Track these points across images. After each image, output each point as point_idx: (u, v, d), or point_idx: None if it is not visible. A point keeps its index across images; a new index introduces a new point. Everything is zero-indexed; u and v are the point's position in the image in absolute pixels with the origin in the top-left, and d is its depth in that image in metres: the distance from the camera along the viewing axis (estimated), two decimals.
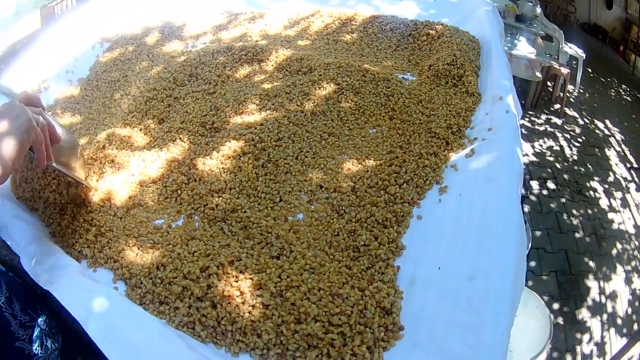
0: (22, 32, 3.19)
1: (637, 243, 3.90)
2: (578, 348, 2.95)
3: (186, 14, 2.01)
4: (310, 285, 0.89)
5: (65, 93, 1.60)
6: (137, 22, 1.97)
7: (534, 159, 4.61)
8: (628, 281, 3.52)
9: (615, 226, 4.03)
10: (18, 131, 0.78)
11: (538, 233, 3.68)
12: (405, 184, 1.15)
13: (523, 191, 1.11)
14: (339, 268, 0.97)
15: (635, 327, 3.21)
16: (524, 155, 1.19)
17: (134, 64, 1.72)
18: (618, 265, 3.63)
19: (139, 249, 1.00)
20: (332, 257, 1.00)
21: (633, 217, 4.19)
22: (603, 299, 3.34)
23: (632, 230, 4.02)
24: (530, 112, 5.34)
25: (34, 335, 0.86)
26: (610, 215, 4.13)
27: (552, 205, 4.04)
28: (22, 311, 0.87)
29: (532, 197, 4.05)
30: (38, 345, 0.87)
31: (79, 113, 1.51)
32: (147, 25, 1.95)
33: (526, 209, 3.74)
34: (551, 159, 4.69)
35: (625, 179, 4.72)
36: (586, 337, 3.03)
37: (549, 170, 4.49)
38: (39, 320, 0.89)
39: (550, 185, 4.29)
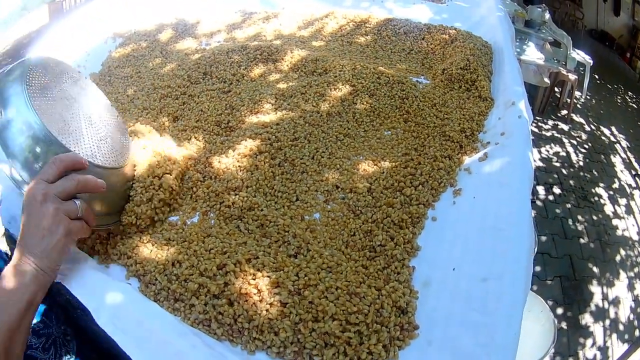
0: (28, 28, 3.20)
1: None
2: (581, 353, 2.95)
3: (200, 12, 2.02)
4: (327, 284, 0.90)
5: None
6: (150, 19, 1.97)
7: (541, 164, 4.62)
8: (631, 287, 3.52)
9: (619, 233, 4.04)
10: (58, 245, 0.76)
11: (543, 238, 3.69)
12: (420, 185, 1.16)
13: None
14: (356, 267, 0.97)
15: (637, 332, 3.21)
16: None
17: (147, 61, 1.72)
18: (621, 272, 3.64)
19: (153, 245, 1.00)
20: (349, 256, 1.01)
21: (637, 224, 4.19)
22: (606, 305, 3.34)
23: (635, 237, 4.03)
24: (538, 118, 5.35)
25: (48, 343, 0.86)
26: (615, 222, 4.14)
27: (558, 211, 4.05)
28: (36, 318, 0.85)
29: (538, 202, 4.06)
30: (52, 354, 0.86)
31: None
32: (161, 22, 1.95)
33: (532, 213, 3.75)
34: (557, 164, 4.70)
35: (630, 185, 4.72)
36: (589, 342, 3.04)
37: (555, 175, 4.50)
38: (53, 328, 0.89)
39: (556, 190, 4.30)
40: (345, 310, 0.85)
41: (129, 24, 1.93)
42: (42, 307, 0.88)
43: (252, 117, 1.33)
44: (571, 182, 4.47)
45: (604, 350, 3.04)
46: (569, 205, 4.15)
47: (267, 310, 0.86)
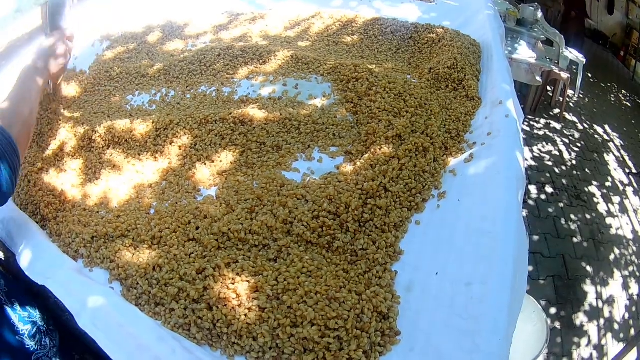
0: (22, 30, 3.17)
1: (634, 248, 3.90)
2: (575, 353, 2.95)
3: (187, 14, 2.00)
4: (307, 288, 0.89)
5: (66, 90, 1.58)
6: (138, 21, 1.95)
7: (533, 163, 4.61)
8: (625, 286, 3.52)
9: (613, 231, 4.02)
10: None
11: (536, 238, 3.68)
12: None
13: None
14: (337, 272, 0.96)
15: (633, 332, 3.21)
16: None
17: (135, 62, 1.71)
18: (615, 271, 3.63)
19: (135, 249, 0.99)
20: (330, 260, 0.99)
21: (631, 222, 4.19)
22: (600, 304, 3.33)
23: (629, 236, 4.02)
24: (530, 117, 5.34)
25: (32, 331, 0.87)
26: (608, 221, 4.13)
27: (550, 210, 4.04)
28: (21, 306, 0.87)
29: (530, 202, 4.05)
30: (37, 342, 0.87)
31: (79, 110, 1.50)
32: (148, 24, 1.93)
33: (524, 213, 3.74)
34: (550, 163, 4.69)
35: (623, 184, 4.71)
36: (583, 341, 3.03)
37: (548, 174, 4.49)
38: (37, 317, 0.89)
39: (549, 189, 4.29)
40: (325, 316, 0.84)
41: (117, 26, 1.91)
42: (25, 299, 0.91)
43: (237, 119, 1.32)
44: (564, 181, 4.46)
45: (599, 349, 3.03)
46: (561, 204, 4.14)
47: (245, 315, 0.85)
